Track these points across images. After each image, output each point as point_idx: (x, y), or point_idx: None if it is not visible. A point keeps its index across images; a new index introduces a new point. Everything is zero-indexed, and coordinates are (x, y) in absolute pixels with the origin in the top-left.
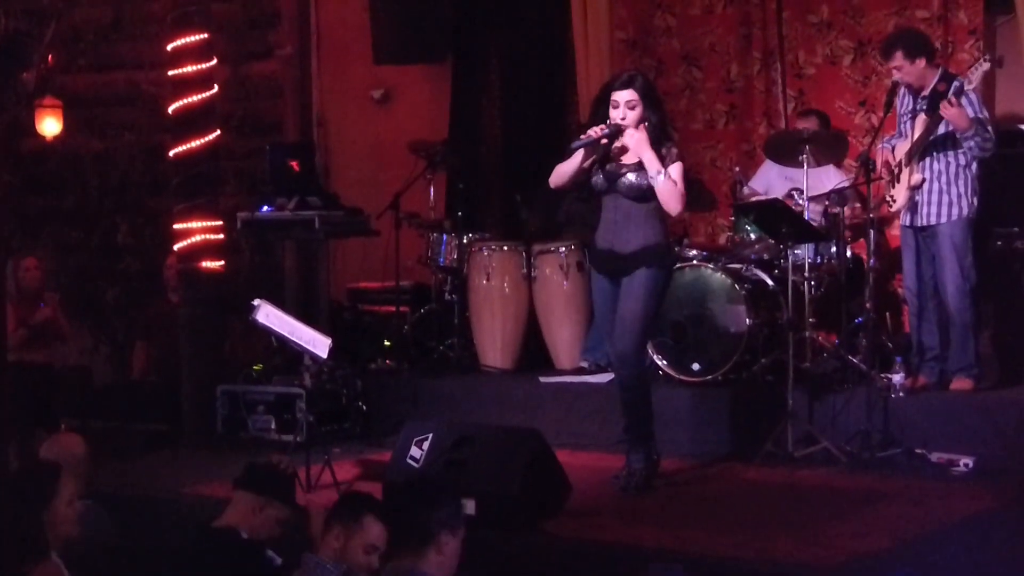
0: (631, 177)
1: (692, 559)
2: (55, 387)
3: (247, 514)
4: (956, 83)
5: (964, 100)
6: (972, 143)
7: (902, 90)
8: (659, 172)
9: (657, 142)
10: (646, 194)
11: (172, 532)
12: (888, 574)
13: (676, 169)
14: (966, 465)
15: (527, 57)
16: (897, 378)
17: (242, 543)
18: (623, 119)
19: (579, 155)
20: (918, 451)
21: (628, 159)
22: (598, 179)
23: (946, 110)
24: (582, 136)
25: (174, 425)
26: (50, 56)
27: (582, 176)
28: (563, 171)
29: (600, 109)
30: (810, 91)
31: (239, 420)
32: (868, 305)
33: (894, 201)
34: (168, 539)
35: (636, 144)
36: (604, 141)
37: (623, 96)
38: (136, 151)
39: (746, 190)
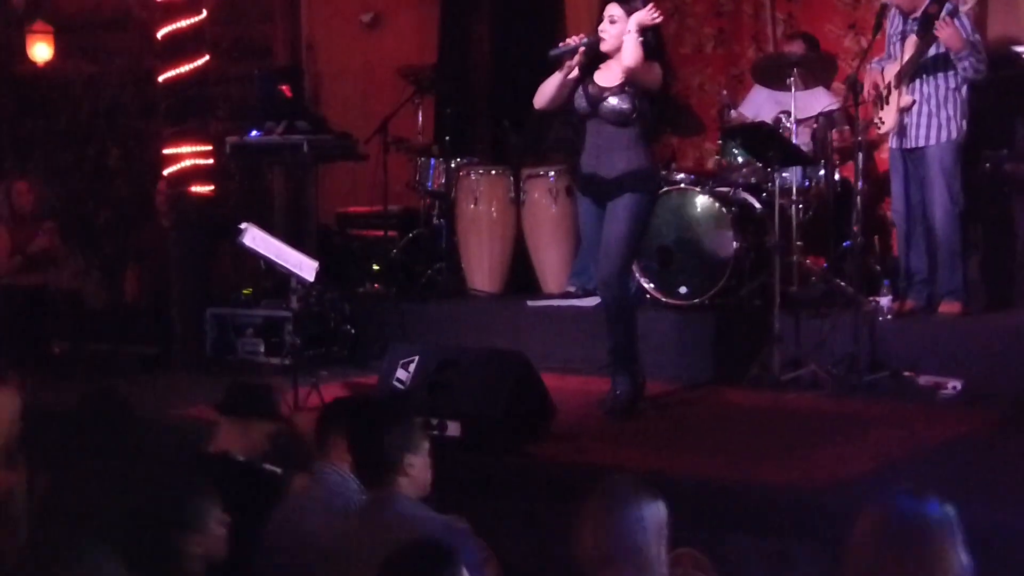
0: (613, 101)
1: (676, 481)
2: (47, 310)
3: (236, 437)
4: (949, 4)
5: (957, 22)
6: (966, 63)
7: (892, 12)
8: (636, 34)
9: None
10: (628, 119)
11: (162, 453)
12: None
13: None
14: (954, 388)
15: None
16: (885, 301)
17: (239, 465)
18: (602, 31)
19: (560, 74)
20: (906, 374)
21: (610, 81)
22: (581, 102)
23: (941, 30)
24: (560, 44)
25: (164, 348)
26: None
27: (565, 97)
28: (545, 90)
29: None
30: (799, 14)
31: (228, 343)
32: (856, 229)
33: (883, 123)
34: (159, 461)
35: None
36: (582, 49)
37: (608, 10)
38: (126, 75)
39: (734, 114)
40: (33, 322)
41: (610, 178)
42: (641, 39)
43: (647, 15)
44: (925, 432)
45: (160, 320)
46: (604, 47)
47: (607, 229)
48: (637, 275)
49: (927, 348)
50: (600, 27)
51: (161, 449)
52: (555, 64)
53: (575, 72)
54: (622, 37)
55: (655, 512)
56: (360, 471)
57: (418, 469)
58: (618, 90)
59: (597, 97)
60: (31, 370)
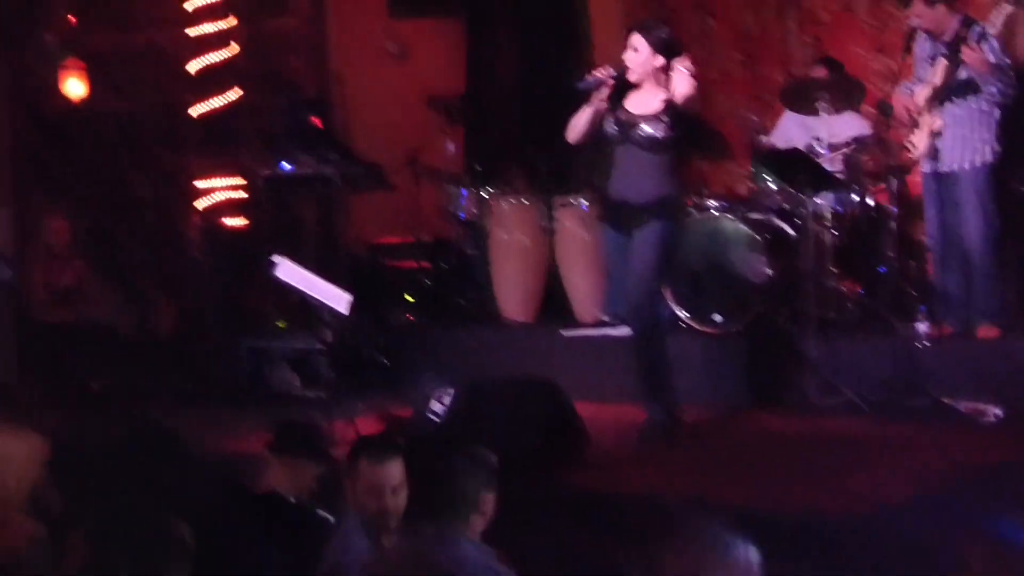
0: (647, 128)
1: (711, 509)
2: (82, 345)
3: (285, 476)
4: (978, 28)
5: (986, 45)
6: (994, 88)
7: (920, 35)
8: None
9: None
10: (661, 144)
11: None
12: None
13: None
14: (996, 416)
15: (541, 8)
16: (921, 327)
17: (291, 506)
18: (627, 60)
19: (590, 107)
20: (945, 400)
21: (642, 108)
22: (612, 129)
23: (968, 56)
24: (588, 76)
25: (198, 381)
26: (72, 17)
27: (597, 127)
28: (577, 125)
29: None
30: (826, 37)
31: (262, 376)
32: (891, 253)
33: (915, 147)
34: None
35: (652, 87)
36: (610, 82)
37: (631, 40)
38: (158, 110)
39: (764, 140)
40: (68, 358)
41: (639, 204)
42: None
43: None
44: (964, 459)
45: (194, 353)
46: (630, 77)
47: (636, 256)
48: (670, 302)
49: (965, 373)
50: (625, 56)
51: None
52: (584, 96)
53: (603, 103)
54: (648, 64)
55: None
56: (433, 505)
57: (489, 505)
58: (652, 117)
59: (629, 124)
60: (68, 406)
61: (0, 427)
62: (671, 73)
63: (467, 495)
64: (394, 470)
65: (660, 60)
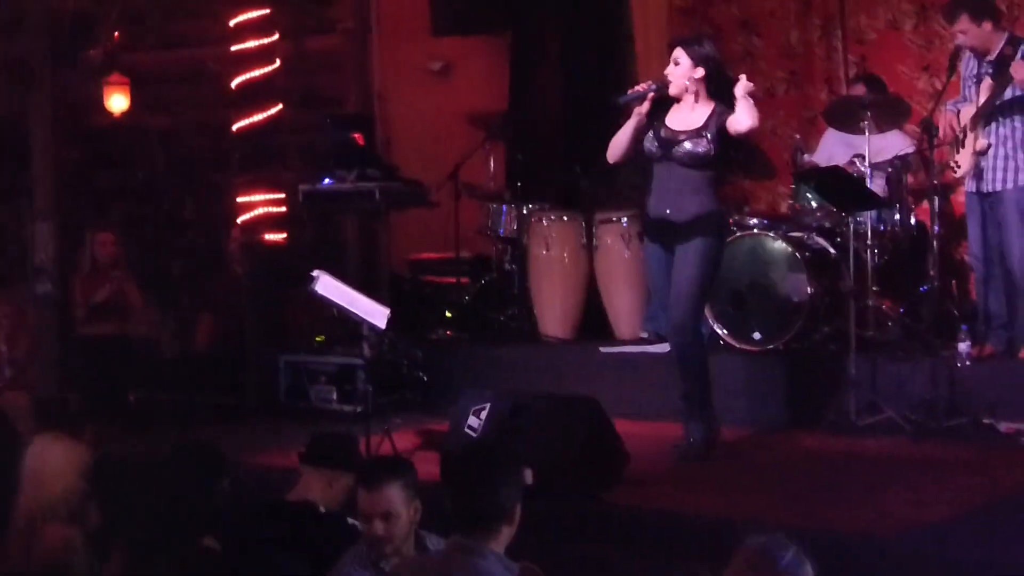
0: (688, 145)
1: (750, 527)
2: (124, 359)
3: (317, 487)
4: None
5: None
6: None
7: (966, 54)
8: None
9: (717, 94)
10: (703, 161)
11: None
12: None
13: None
14: None
15: (585, 26)
16: (963, 346)
17: (322, 516)
18: (668, 74)
19: (631, 123)
20: (986, 421)
21: (685, 126)
22: (652, 146)
23: (1017, 72)
24: (628, 91)
25: (238, 396)
26: (116, 34)
27: (638, 144)
28: (618, 142)
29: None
30: (871, 56)
31: (301, 390)
32: (933, 273)
33: (959, 167)
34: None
35: (693, 102)
36: (651, 95)
37: (673, 54)
38: (200, 126)
39: (807, 159)
40: (110, 371)
41: (680, 222)
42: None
43: (744, 88)
44: (1006, 479)
45: (234, 368)
46: (671, 91)
47: (679, 273)
48: (710, 320)
49: (1007, 393)
50: (666, 70)
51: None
52: (624, 111)
53: (644, 118)
54: (688, 77)
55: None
56: (463, 512)
57: (518, 517)
58: (694, 134)
59: (670, 141)
60: (108, 419)
61: (44, 438)
62: (736, 103)
63: (500, 505)
64: (388, 496)
65: (701, 72)
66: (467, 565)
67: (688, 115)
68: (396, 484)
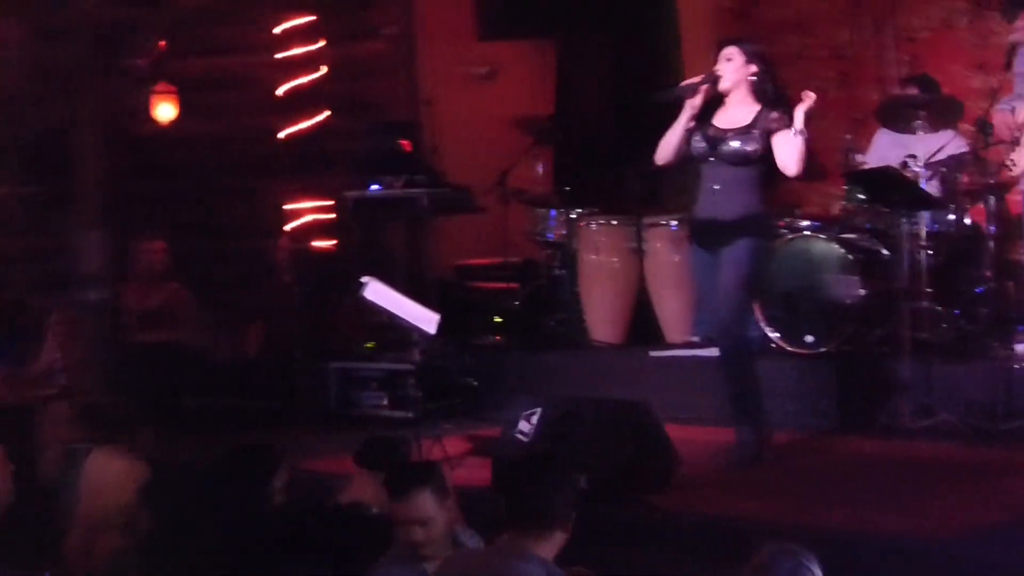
0: (735, 143)
1: (803, 532)
2: (175, 366)
3: (372, 489)
4: None
5: None
6: None
7: (1021, 50)
8: (800, 130)
9: (765, 98)
10: (750, 159)
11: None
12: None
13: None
14: None
15: (632, 29)
16: (1020, 348)
17: (374, 519)
18: (718, 69)
19: (681, 119)
20: None
21: (732, 123)
22: (700, 145)
23: None
24: (680, 84)
25: (287, 402)
26: (162, 42)
27: (686, 145)
28: (668, 142)
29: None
30: (923, 55)
31: (350, 397)
32: (988, 273)
33: (1015, 165)
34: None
35: (740, 101)
36: (704, 87)
37: (723, 51)
38: (248, 133)
39: (859, 159)
40: (161, 379)
41: (727, 221)
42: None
43: (807, 104)
44: None
45: (283, 375)
46: (722, 86)
47: (724, 275)
48: (762, 323)
49: None
50: (716, 67)
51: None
52: (676, 105)
53: (696, 111)
54: (740, 74)
55: None
56: (519, 517)
57: (570, 527)
58: (742, 131)
59: (717, 139)
60: (160, 426)
61: (103, 450)
62: (785, 142)
63: (553, 511)
64: (420, 504)
65: (753, 69)
66: (508, 567)
67: (735, 114)
68: (425, 491)
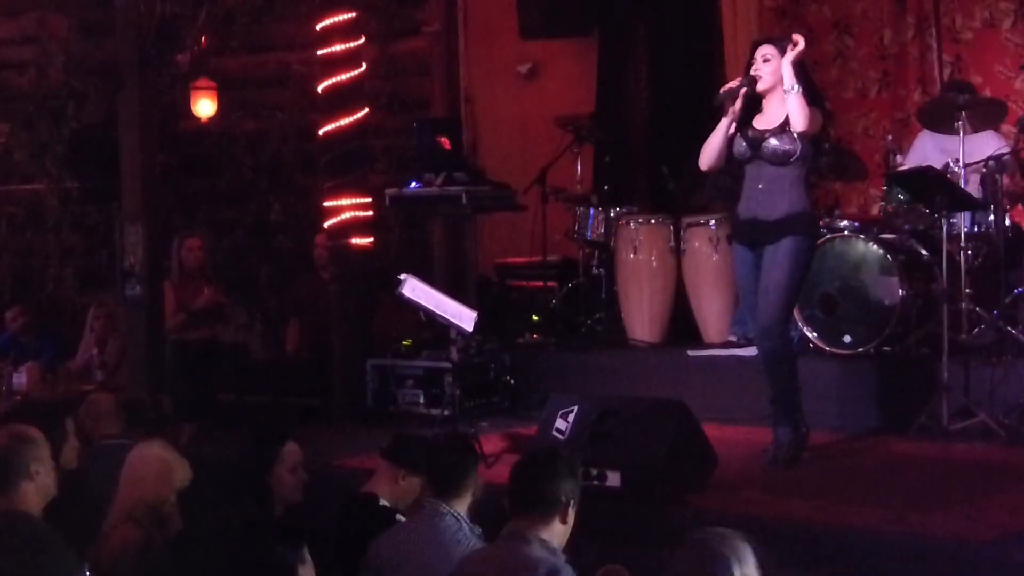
0: (774, 142)
1: (840, 533)
2: (215, 363)
3: (389, 482)
4: None
5: None
6: None
7: None
8: (793, 86)
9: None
10: (790, 157)
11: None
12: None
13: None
14: None
15: (674, 28)
16: None
17: (378, 508)
18: (756, 70)
19: (723, 123)
20: None
21: (769, 123)
22: (741, 147)
23: None
24: (720, 91)
25: (325, 399)
26: (203, 38)
27: (728, 148)
28: (711, 145)
29: (748, 67)
30: (967, 56)
31: (388, 394)
32: None
33: None
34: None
35: (778, 101)
36: (743, 91)
37: (760, 51)
38: (287, 130)
39: (899, 160)
40: (200, 375)
41: (770, 221)
42: (799, 89)
43: (795, 53)
44: None
45: (321, 371)
46: (761, 86)
47: (767, 275)
48: (800, 324)
49: None
50: (753, 67)
51: (323, 499)
52: (719, 111)
53: (737, 115)
54: (778, 74)
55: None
56: (521, 502)
57: (572, 519)
58: (779, 130)
59: (758, 139)
60: (199, 422)
61: (147, 443)
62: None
63: (555, 496)
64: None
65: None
66: (512, 550)
67: (772, 113)
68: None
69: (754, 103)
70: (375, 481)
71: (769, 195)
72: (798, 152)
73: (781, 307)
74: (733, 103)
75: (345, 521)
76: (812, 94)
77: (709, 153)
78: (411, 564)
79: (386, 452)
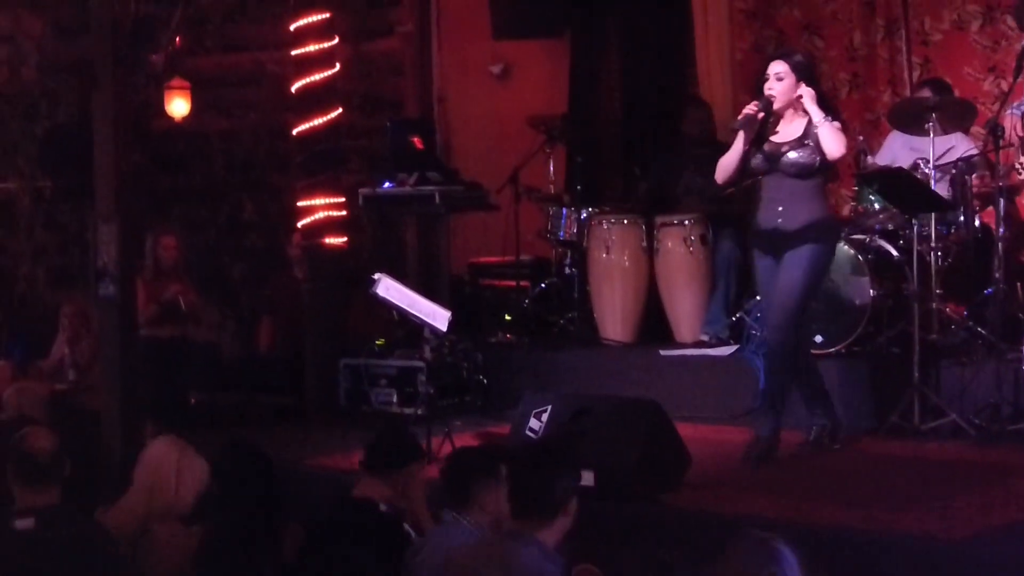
0: (792, 155)
1: (812, 532)
2: (186, 361)
3: (380, 487)
4: None
5: None
6: None
7: None
8: (824, 118)
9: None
10: (809, 170)
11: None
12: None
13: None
14: None
15: (646, 29)
16: None
17: (382, 516)
18: (770, 90)
19: (741, 139)
20: None
21: (787, 137)
22: (758, 160)
23: None
24: (739, 117)
25: (298, 398)
26: (178, 38)
27: (745, 162)
28: (728, 162)
29: (760, 83)
30: (936, 58)
31: (361, 393)
32: (998, 275)
33: None
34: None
35: (793, 113)
36: (760, 116)
37: (772, 68)
38: (261, 130)
39: (870, 161)
40: (172, 373)
41: (792, 230)
42: (829, 118)
43: (810, 98)
44: None
45: (294, 371)
46: (776, 106)
47: (784, 276)
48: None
49: None
50: (767, 86)
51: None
52: (735, 131)
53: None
54: (792, 91)
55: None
56: (522, 504)
57: (573, 511)
58: (798, 144)
59: (775, 154)
60: (169, 421)
61: (165, 439)
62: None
63: (554, 497)
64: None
65: (804, 87)
66: (509, 551)
67: (788, 126)
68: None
69: (767, 118)
70: (366, 486)
71: (791, 204)
72: (817, 164)
73: (796, 307)
74: (752, 130)
75: (349, 528)
76: (829, 112)
77: (725, 169)
78: None
79: (371, 465)
